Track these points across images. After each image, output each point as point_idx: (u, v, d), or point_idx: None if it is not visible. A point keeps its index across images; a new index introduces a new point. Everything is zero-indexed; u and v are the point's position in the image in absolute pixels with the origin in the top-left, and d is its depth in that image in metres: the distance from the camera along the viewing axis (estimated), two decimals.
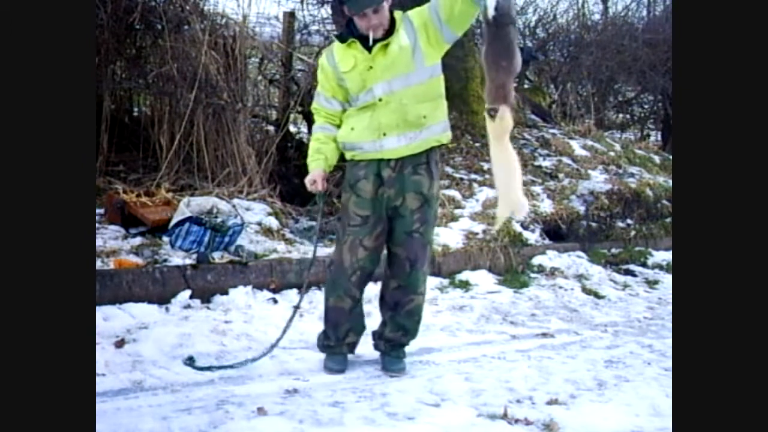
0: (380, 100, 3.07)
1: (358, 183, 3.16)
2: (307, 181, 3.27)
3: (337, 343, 3.30)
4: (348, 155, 3.22)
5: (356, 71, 3.09)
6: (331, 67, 3.17)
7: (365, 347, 3.42)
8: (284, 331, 3.38)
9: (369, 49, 3.06)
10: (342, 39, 3.14)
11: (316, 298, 4.12)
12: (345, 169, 3.28)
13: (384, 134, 3.08)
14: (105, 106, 5.89)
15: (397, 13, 3.11)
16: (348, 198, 3.20)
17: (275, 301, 4.18)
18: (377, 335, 3.39)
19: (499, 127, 2.82)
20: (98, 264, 4.13)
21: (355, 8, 3.02)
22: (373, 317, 3.46)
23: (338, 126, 3.24)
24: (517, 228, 5.58)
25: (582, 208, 6.15)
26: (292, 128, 7.05)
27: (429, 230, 3.25)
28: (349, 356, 3.39)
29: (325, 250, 4.57)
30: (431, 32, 3.05)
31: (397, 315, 3.29)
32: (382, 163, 3.13)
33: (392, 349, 3.34)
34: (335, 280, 3.25)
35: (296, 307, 3.50)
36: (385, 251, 3.31)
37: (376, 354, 3.40)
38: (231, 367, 3.20)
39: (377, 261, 3.27)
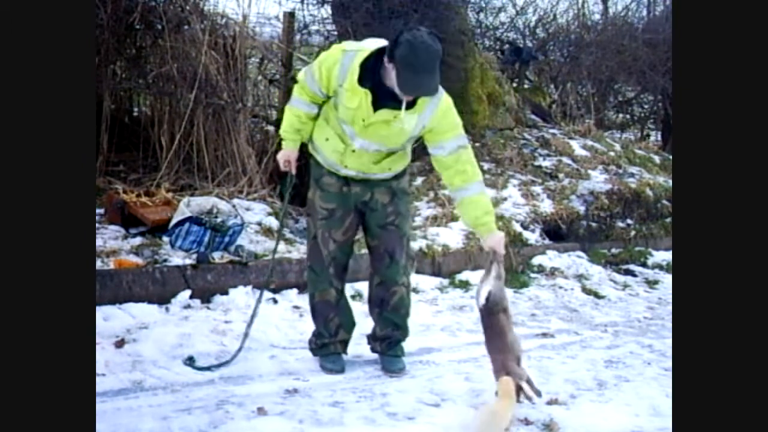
0: (353, 151, 3.06)
1: (322, 178, 3.17)
2: (281, 157, 3.25)
3: (330, 339, 3.29)
4: (311, 151, 3.22)
5: (354, 113, 2.97)
6: (339, 79, 2.95)
7: (365, 348, 3.42)
8: (252, 317, 3.39)
9: (375, 107, 2.91)
10: (362, 81, 2.90)
11: None
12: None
13: (346, 166, 3.12)
14: (105, 106, 5.89)
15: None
16: (314, 192, 3.20)
17: (275, 301, 4.17)
18: (371, 337, 3.39)
19: (501, 394, 2.87)
20: (98, 264, 4.13)
21: (408, 92, 2.86)
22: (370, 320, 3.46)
23: (319, 107, 3.14)
24: (517, 228, 5.58)
25: (582, 208, 6.15)
26: None
27: (404, 222, 3.26)
28: (349, 356, 3.40)
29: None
30: (430, 139, 3.04)
31: (384, 311, 3.30)
32: None
33: (389, 348, 3.33)
34: (317, 274, 3.25)
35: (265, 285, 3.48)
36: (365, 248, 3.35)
37: (377, 354, 3.40)
38: (228, 363, 3.20)
39: (349, 252, 3.30)
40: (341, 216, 3.17)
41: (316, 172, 3.20)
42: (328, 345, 3.29)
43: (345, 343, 3.35)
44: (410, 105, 2.92)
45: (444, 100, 3.01)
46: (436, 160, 3.09)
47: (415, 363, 3.41)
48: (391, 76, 2.85)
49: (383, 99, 2.91)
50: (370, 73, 2.91)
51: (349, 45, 3.06)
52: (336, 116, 3.06)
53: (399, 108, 2.90)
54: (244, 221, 4.90)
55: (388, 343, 3.33)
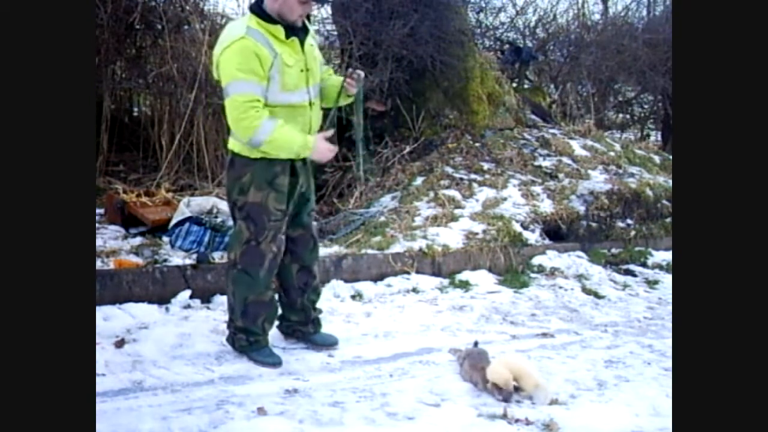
0: (312, 103, 3.19)
1: (276, 179, 3.17)
2: (327, 149, 3.17)
3: (262, 335, 3.32)
4: (259, 153, 3.12)
5: (295, 69, 3.10)
6: (270, 54, 3.02)
7: (365, 348, 3.42)
8: None
9: (301, 43, 3.14)
10: (287, 35, 3.07)
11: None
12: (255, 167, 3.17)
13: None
14: (105, 106, 5.90)
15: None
16: (266, 195, 3.16)
17: None
18: (299, 323, 3.51)
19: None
20: (98, 264, 4.13)
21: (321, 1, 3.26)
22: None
23: None
24: (517, 228, 5.58)
25: (582, 208, 6.14)
26: None
27: None
28: (349, 357, 3.40)
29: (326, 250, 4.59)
30: None
31: (309, 294, 3.47)
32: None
33: (319, 325, 3.54)
34: (252, 278, 3.23)
35: None
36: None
37: (377, 354, 3.41)
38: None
39: None
40: (287, 214, 3.26)
41: (268, 174, 3.15)
42: (260, 341, 3.32)
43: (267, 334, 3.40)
44: (307, 31, 3.23)
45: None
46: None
47: (415, 363, 3.42)
48: (292, 5, 3.06)
49: (299, 39, 3.16)
50: (280, 27, 3.09)
51: (232, 31, 3.11)
52: (269, 98, 3.06)
53: (307, 34, 3.20)
54: None
55: (316, 322, 3.53)
